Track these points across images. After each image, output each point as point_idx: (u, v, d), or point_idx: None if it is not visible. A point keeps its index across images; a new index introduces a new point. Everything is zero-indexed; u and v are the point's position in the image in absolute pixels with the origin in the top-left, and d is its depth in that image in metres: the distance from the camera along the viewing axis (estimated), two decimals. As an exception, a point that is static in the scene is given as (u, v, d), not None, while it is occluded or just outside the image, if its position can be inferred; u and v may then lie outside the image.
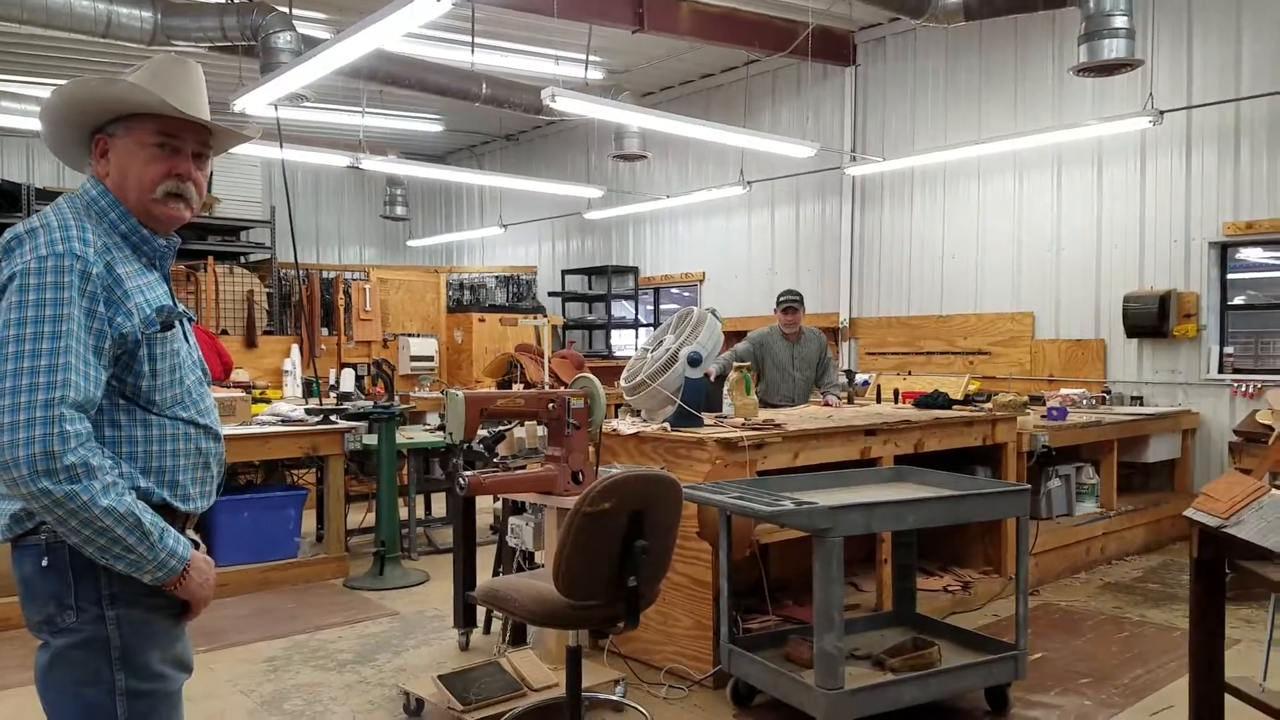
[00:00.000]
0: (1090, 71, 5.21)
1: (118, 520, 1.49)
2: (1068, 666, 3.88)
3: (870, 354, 7.98)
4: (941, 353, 7.49)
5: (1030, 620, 3.71)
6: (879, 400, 6.02)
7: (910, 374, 7.47)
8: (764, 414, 4.43)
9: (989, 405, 5.16)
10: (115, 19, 5.66)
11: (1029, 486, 3.54)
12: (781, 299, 5.95)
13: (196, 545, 1.73)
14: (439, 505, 6.96)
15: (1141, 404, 6.35)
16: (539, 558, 3.88)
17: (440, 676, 3.32)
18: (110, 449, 1.57)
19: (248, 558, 5.25)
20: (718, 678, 3.55)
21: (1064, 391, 6.24)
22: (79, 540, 1.49)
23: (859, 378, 7.18)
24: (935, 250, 7.62)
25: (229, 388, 7.10)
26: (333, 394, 7.23)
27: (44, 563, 1.56)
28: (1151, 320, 6.22)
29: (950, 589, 4.64)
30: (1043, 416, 5.45)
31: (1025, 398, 5.48)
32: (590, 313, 10.78)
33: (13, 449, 1.44)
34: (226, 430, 5.39)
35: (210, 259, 8.36)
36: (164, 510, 1.62)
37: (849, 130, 8.06)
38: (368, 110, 8.32)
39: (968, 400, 5.38)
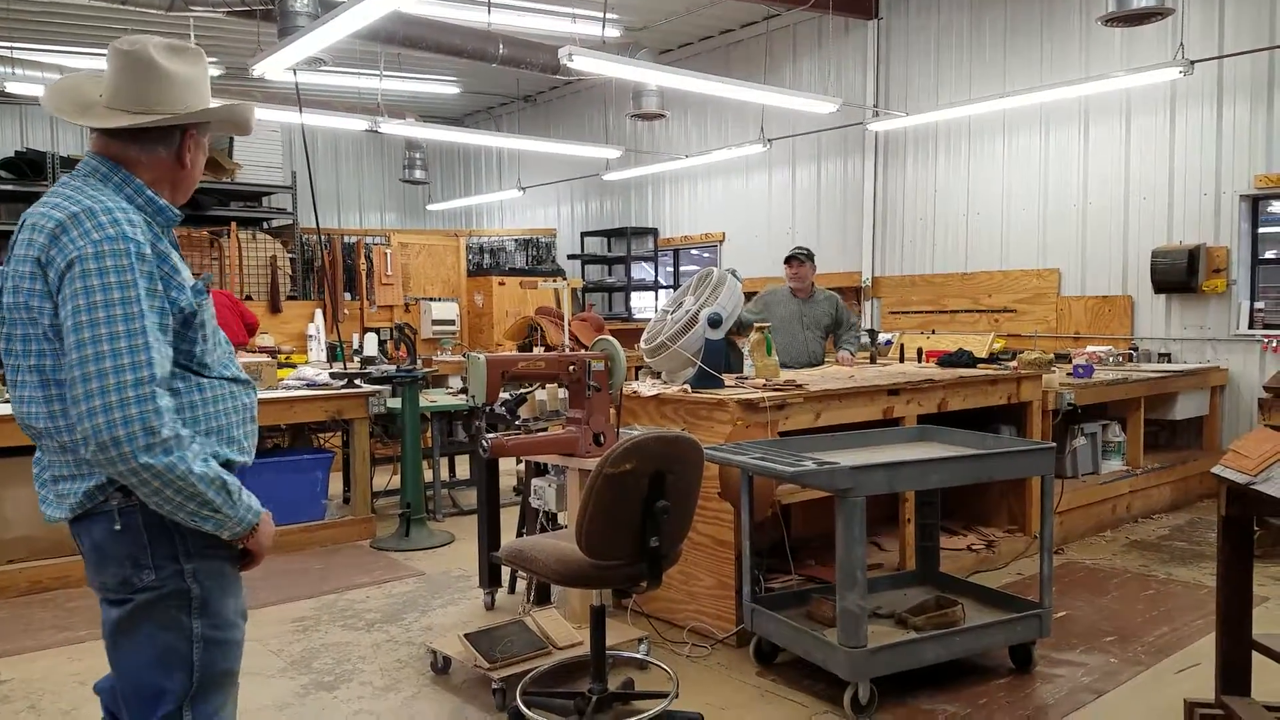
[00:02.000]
0: (1119, 21, 5.05)
1: (209, 484, 1.58)
2: (1093, 624, 3.87)
3: (893, 313, 7.91)
4: (966, 311, 7.41)
5: (1055, 579, 3.70)
6: (902, 359, 5.97)
7: (934, 333, 7.41)
8: (785, 374, 4.40)
9: (1014, 363, 5.11)
10: (134, -16, 5.64)
11: (1054, 445, 3.50)
12: (788, 254, 5.87)
13: None
14: (462, 467, 7.02)
15: (1169, 361, 6.27)
16: (561, 519, 3.91)
17: (467, 635, 3.37)
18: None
19: (276, 520, 5.29)
20: (740, 636, 3.58)
21: (1090, 349, 6.17)
22: (171, 508, 1.57)
23: (882, 337, 7.13)
24: (959, 207, 7.51)
25: (254, 352, 7.17)
26: (356, 358, 7.29)
27: (116, 527, 1.61)
28: (1180, 275, 6.11)
29: (974, 548, 4.64)
30: (1069, 374, 5.39)
31: (1051, 355, 5.42)
32: (610, 275, 10.75)
33: (111, 428, 1.49)
34: (252, 395, 5.48)
35: (233, 225, 8.39)
36: (226, 467, 1.69)
37: (871, 85, 7.91)
38: (385, 73, 8.26)
39: (992, 359, 5.32)
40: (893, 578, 3.94)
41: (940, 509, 3.96)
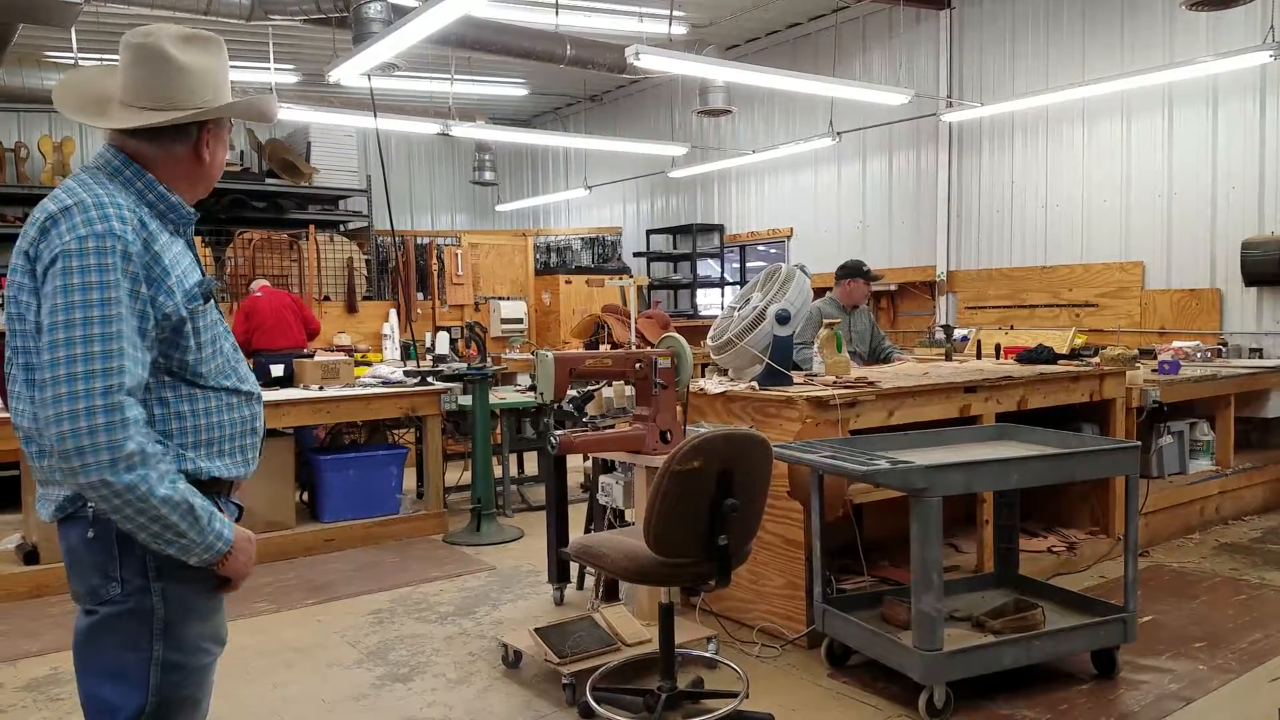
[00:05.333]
0: (1204, 5, 4.84)
1: (172, 508, 1.47)
2: (1180, 630, 3.72)
3: (970, 308, 7.71)
4: (1046, 305, 7.18)
5: (1140, 582, 3.57)
6: (979, 356, 5.82)
7: (1012, 328, 7.20)
8: (856, 372, 4.34)
9: (1096, 360, 4.94)
10: (216, -4, 5.83)
11: (1139, 444, 3.37)
12: (849, 264, 5.71)
13: (240, 510, 1.76)
14: (531, 464, 7.10)
15: (1261, 356, 5.97)
16: (629, 515, 3.92)
17: (537, 630, 3.40)
18: (160, 426, 1.56)
19: (353, 514, 5.48)
20: (811, 637, 3.54)
21: (1176, 344, 5.91)
22: (132, 527, 1.48)
23: (958, 333, 6.95)
24: (1038, 198, 7.28)
25: (331, 351, 7.36)
26: (429, 356, 7.42)
27: (89, 534, 1.55)
28: (1272, 267, 5.81)
29: (1054, 550, 4.50)
30: (1154, 371, 5.18)
31: (1135, 351, 5.22)
32: (675, 272, 10.73)
33: (75, 438, 1.40)
34: (332, 392, 5.65)
35: (311, 228, 8.63)
36: (212, 482, 1.62)
37: (944, 75, 7.72)
38: (456, 77, 8.39)
39: (1074, 355, 5.15)
40: (970, 580, 3.85)
41: (1020, 510, 3.85)
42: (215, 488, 1.64)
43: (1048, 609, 3.40)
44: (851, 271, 5.70)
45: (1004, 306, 7.45)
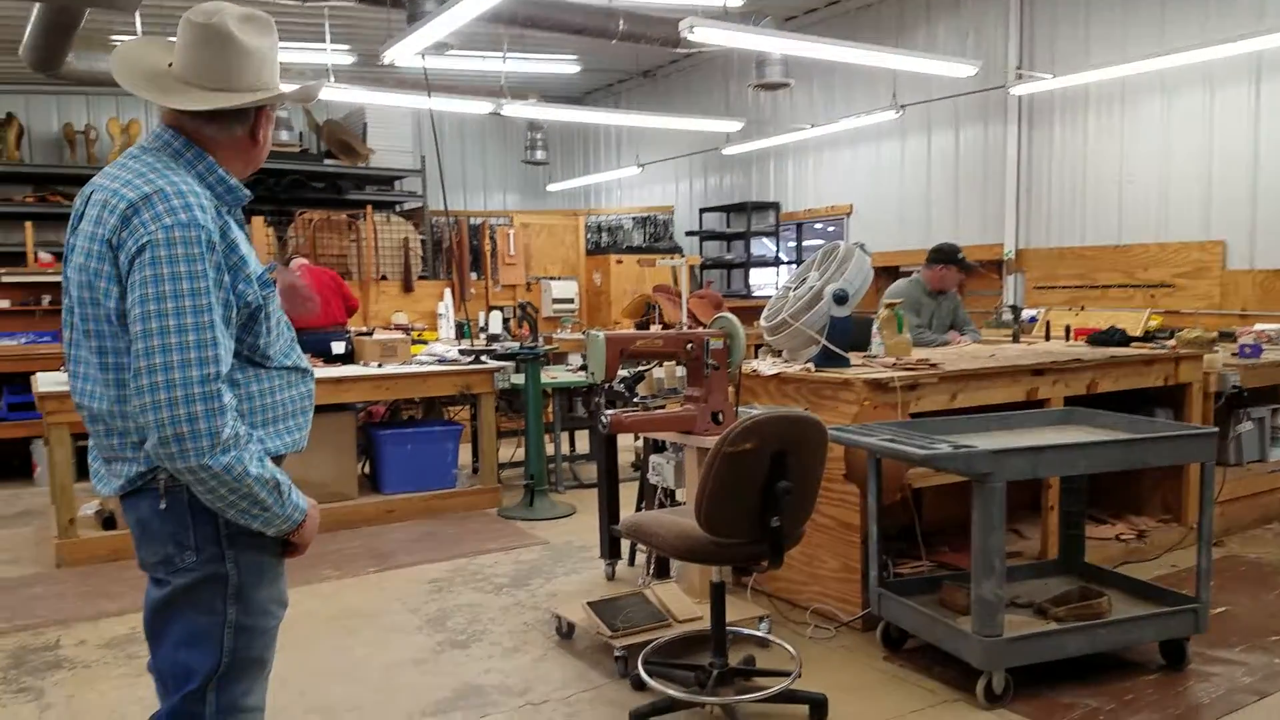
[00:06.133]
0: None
1: (262, 485, 1.54)
2: (1255, 622, 3.57)
3: (1039, 288, 7.46)
4: (1119, 286, 6.92)
5: (1214, 572, 3.42)
6: (1048, 337, 5.64)
7: (1083, 309, 6.96)
8: (918, 353, 4.22)
9: (1172, 342, 4.74)
10: (274, -22, 5.90)
11: (1216, 430, 3.22)
12: (944, 249, 5.53)
13: None
14: (582, 442, 7.13)
15: (1352, 339, 5.67)
16: (680, 495, 3.88)
17: (590, 603, 3.42)
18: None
19: (411, 487, 5.58)
20: (866, 620, 3.48)
21: (1259, 327, 5.65)
22: (223, 505, 1.53)
23: (1026, 313, 6.75)
24: (1113, 174, 7.00)
25: (390, 329, 7.46)
26: (482, 335, 7.48)
27: (161, 505, 1.58)
28: (1368, 245, 5.50)
29: (1123, 538, 4.35)
30: (1234, 354, 4.96)
31: (1214, 334, 5.00)
32: (729, 251, 10.61)
33: (175, 424, 1.45)
34: (390, 370, 5.74)
35: (369, 208, 8.74)
36: (277, 460, 1.67)
37: (1014, 46, 7.45)
38: (508, 55, 8.37)
39: (1148, 337, 4.95)
40: (1033, 566, 3.74)
41: (1087, 496, 3.72)
42: (275, 462, 1.67)
43: (1114, 597, 3.29)
44: (946, 257, 5.48)
45: (1075, 287, 7.20)
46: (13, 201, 9.23)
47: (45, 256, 7.75)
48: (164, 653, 1.64)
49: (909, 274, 5.95)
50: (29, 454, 6.72)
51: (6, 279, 7.23)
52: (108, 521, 4.82)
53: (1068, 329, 5.51)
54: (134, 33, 7.54)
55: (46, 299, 7.33)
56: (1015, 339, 5.50)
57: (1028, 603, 3.31)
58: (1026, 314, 6.80)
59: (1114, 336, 4.75)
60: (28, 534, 5.26)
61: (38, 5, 5.72)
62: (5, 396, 6.54)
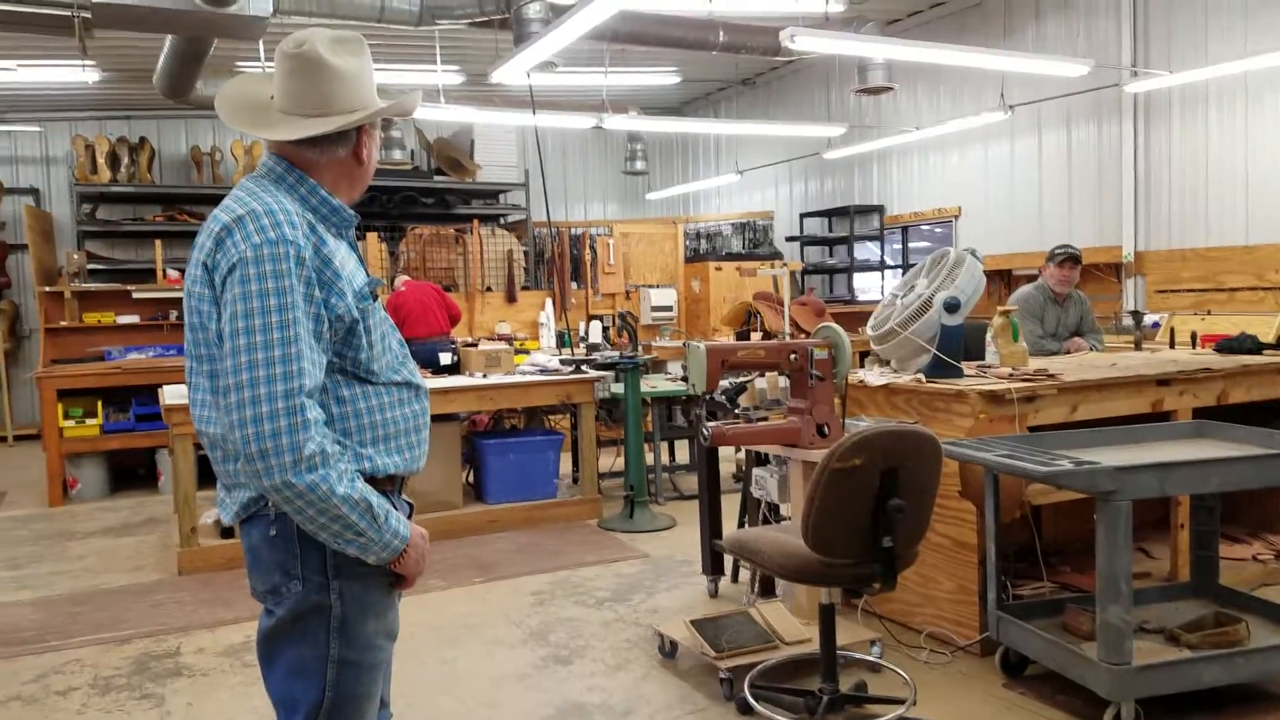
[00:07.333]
0: None
1: (352, 507, 1.50)
2: None
3: (1160, 292, 7.08)
4: (1248, 289, 6.49)
5: (1370, 601, 3.17)
6: (1172, 345, 5.33)
7: (1209, 314, 6.56)
8: (1035, 363, 4.06)
9: (1312, 349, 4.42)
10: (388, 4, 6.08)
11: (1368, 445, 2.98)
12: (1057, 251, 5.30)
13: (411, 508, 1.77)
14: (682, 452, 7.11)
15: None
16: (784, 509, 3.83)
17: (693, 622, 3.39)
18: (339, 424, 1.60)
19: (514, 497, 5.68)
20: (984, 645, 3.35)
21: None
22: (314, 527, 1.51)
23: (1148, 319, 6.40)
24: (1237, 172, 6.58)
25: (493, 340, 7.63)
26: (583, 345, 7.56)
27: (271, 532, 1.58)
28: None
29: (1260, 558, 4.07)
30: (1383, 361, 4.58)
31: (1360, 339, 4.63)
32: (831, 256, 10.44)
33: (259, 440, 1.44)
34: (494, 380, 5.85)
35: (475, 222, 8.97)
36: (387, 479, 1.65)
37: (1128, 43, 7.10)
38: (609, 70, 8.46)
39: (1283, 343, 4.63)
40: (1162, 589, 3.54)
41: (1220, 514, 3.50)
42: (389, 484, 1.66)
43: (1252, 623, 3.08)
44: (1060, 259, 5.27)
45: (1200, 290, 6.80)
46: (144, 221, 9.83)
47: (173, 274, 8.22)
48: (274, 681, 1.65)
49: (1031, 278, 5.72)
50: (154, 463, 7.09)
51: (137, 295, 7.72)
52: (226, 531, 5.00)
53: (1194, 335, 5.20)
54: (258, 59, 7.96)
55: (173, 314, 7.79)
56: (1138, 346, 5.23)
57: (1158, 628, 3.14)
58: (1149, 319, 6.45)
59: (1244, 343, 4.45)
60: (152, 541, 5.53)
61: (170, 36, 6.07)
62: (134, 408, 6.90)
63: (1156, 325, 6.37)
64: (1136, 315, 5.58)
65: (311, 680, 1.60)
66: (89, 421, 6.72)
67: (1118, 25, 7.17)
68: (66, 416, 6.65)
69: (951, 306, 3.63)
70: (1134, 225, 7.22)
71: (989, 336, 4.13)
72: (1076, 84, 6.99)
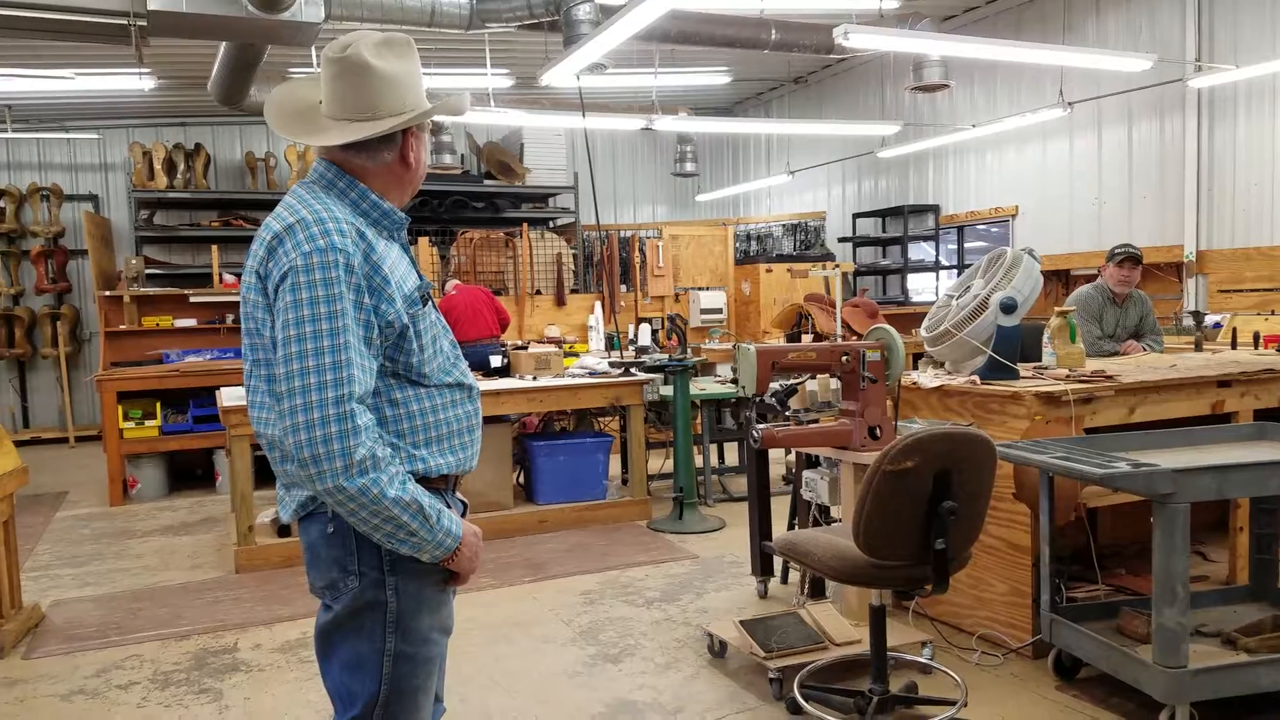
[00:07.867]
0: None
1: (403, 509, 1.53)
2: None
3: (1223, 291, 6.89)
4: (1316, 288, 6.29)
5: None
6: (1234, 345, 5.19)
7: (1273, 314, 6.37)
8: (1092, 364, 3.99)
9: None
10: (439, 8, 6.19)
11: None
12: (1117, 250, 5.18)
13: (465, 506, 1.80)
14: (731, 454, 7.11)
15: None
16: (834, 512, 3.82)
17: (742, 622, 3.40)
18: (393, 426, 1.63)
19: (564, 498, 5.74)
20: (1037, 647, 3.31)
21: None
22: (368, 528, 1.54)
23: (1209, 319, 6.24)
24: (1309, 167, 6.38)
25: (543, 343, 7.71)
26: (632, 347, 7.60)
27: (329, 530, 1.61)
28: None
29: (1329, 567, 3.94)
30: None
31: None
32: (884, 257, 10.33)
33: (311, 446, 1.47)
34: (544, 382, 5.92)
35: (524, 225, 9.07)
36: (440, 479, 1.68)
37: (1192, 37, 6.92)
38: (660, 71, 8.50)
39: (1353, 345, 4.48)
40: (1220, 593, 3.46)
41: (1284, 519, 3.41)
42: (442, 483, 1.70)
43: (1318, 631, 2.99)
44: (1120, 259, 5.14)
45: (1264, 290, 6.60)
46: (200, 226, 10.10)
47: (229, 278, 8.43)
48: (331, 675, 1.68)
49: (1090, 278, 5.60)
50: (212, 464, 7.28)
51: (194, 299, 7.95)
52: (283, 530, 5.12)
53: (1256, 335, 5.06)
54: (311, 66, 8.16)
55: (230, 318, 8.00)
56: (1198, 347, 5.10)
57: (1215, 632, 3.08)
58: (1210, 320, 6.28)
59: (1315, 345, 4.32)
60: (209, 540, 5.67)
61: (224, 44, 6.25)
62: (192, 409, 7.07)
63: (1218, 326, 6.20)
64: (1197, 315, 5.45)
65: (368, 674, 1.63)
66: (148, 423, 6.91)
67: (1181, 18, 7.00)
68: (126, 418, 6.84)
69: (1008, 307, 3.58)
70: (1196, 224, 7.04)
71: (1046, 338, 4.07)
72: (1138, 79, 6.84)
